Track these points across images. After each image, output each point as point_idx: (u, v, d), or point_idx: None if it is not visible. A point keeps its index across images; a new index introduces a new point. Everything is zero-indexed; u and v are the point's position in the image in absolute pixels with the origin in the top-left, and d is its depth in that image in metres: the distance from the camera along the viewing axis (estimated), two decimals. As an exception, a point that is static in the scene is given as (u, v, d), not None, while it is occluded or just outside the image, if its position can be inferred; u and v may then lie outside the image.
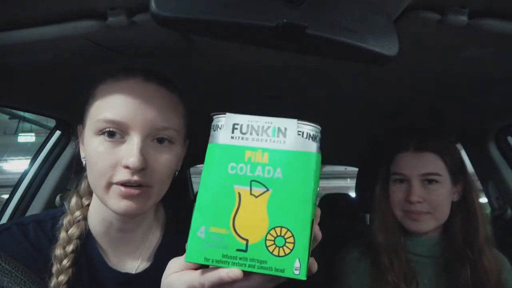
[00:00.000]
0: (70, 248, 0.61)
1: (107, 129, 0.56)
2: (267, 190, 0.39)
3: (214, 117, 0.43)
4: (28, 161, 1.31)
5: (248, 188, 0.40)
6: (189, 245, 0.40)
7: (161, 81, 0.61)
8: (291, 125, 0.41)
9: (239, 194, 0.40)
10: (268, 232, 0.39)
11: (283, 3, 0.42)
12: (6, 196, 1.28)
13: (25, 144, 8.09)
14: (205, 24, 0.42)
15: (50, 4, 0.52)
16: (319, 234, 0.43)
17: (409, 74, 0.81)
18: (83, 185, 0.68)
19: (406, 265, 0.88)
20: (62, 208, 0.68)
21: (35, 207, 1.21)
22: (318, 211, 0.43)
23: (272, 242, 0.39)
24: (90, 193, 0.67)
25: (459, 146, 1.30)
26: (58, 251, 0.61)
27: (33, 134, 8.03)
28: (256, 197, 0.39)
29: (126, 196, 0.55)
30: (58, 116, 1.21)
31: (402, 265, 0.88)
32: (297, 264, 0.38)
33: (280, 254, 0.38)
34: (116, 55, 0.67)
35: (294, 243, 0.38)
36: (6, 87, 0.87)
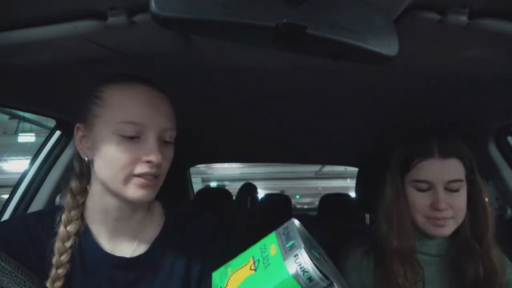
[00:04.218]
0: (68, 243, 0.68)
1: (128, 130, 0.64)
2: (255, 270, 0.52)
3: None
4: (28, 161, 1.31)
5: (252, 262, 0.53)
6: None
7: (162, 88, 0.70)
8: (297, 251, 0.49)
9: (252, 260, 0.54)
10: None
11: (283, 3, 0.42)
12: (6, 196, 1.28)
13: (25, 144, 8.08)
14: (205, 24, 0.42)
15: (50, 4, 0.53)
16: None
17: (409, 74, 0.81)
18: (74, 184, 0.73)
19: (417, 267, 0.88)
20: (61, 205, 0.73)
21: (35, 207, 1.21)
22: None
23: None
24: (84, 191, 0.73)
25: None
26: (58, 244, 0.67)
27: (33, 134, 8.03)
28: (250, 269, 0.52)
29: (144, 186, 0.65)
30: (58, 116, 1.21)
31: (414, 269, 0.87)
32: None
33: None
34: (116, 55, 0.67)
35: None
36: (6, 87, 0.87)
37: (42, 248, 0.67)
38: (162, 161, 0.66)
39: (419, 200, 0.88)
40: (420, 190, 0.88)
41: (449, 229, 0.87)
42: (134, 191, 0.65)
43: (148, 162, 0.64)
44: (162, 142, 0.68)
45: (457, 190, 0.86)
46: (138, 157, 0.65)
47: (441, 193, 0.85)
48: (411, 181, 0.89)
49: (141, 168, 0.65)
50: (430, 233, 0.88)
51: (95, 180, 0.69)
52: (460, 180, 0.87)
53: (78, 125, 0.70)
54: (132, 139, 0.65)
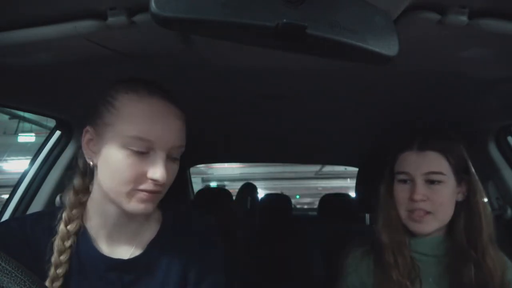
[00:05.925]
0: (68, 243, 0.68)
1: (137, 145, 0.63)
2: None
3: None
4: (28, 161, 1.31)
5: None
6: None
7: (176, 101, 0.69)
8: None
9: None
10: None
11: (283, 3, 0.42)
12: (6, 196, 1.28)
13: (25, 144, 8.08)
14: (205, 24, 0.42)
15: (50, 4, 0.53)
16: None
17: (409, 74, 0.81)
18: (77, 182, 0.72)
19: (410, 263, 0.88)
20: (62, 206, 0.72)
21: (35, 207, 1.21)
22: None
23: None
24: (86, 190, 0.73)
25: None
26: (58, 242, 0.67)
27: (33, 134, 8.03)
28: None
29: (146, 201, 0.65)
30: (58, 116, 1.21)
31: (407, 263, 0.88)
32: None
33: None
34: (116, 55, 0.67)
35: None
36: (6, 87, 0.87)
37: (40, 248, 0.67)
38: (167, 178, 0.66)
39: (400, 193, 0.91)
40: (402, 181, 0.91)
41: (428, 226, 0.88)
42: (136, 205, 0.65)
43: (153, 180, 0.64)
44: (169, 159, 0.67)
45: (437, 184, 0.88)
46: (144, 173, 0.64)
47: (418, 184, 0.88)
48: (395, 173, 0.93)
49: (145, 185, 0.64)
50: (411, 229, 0.90)
51: (97, 184, 0.69)
52: (440, 173, 0.88)
53: (87, 128, 0.69)
54: (141, 154, 0.64)
